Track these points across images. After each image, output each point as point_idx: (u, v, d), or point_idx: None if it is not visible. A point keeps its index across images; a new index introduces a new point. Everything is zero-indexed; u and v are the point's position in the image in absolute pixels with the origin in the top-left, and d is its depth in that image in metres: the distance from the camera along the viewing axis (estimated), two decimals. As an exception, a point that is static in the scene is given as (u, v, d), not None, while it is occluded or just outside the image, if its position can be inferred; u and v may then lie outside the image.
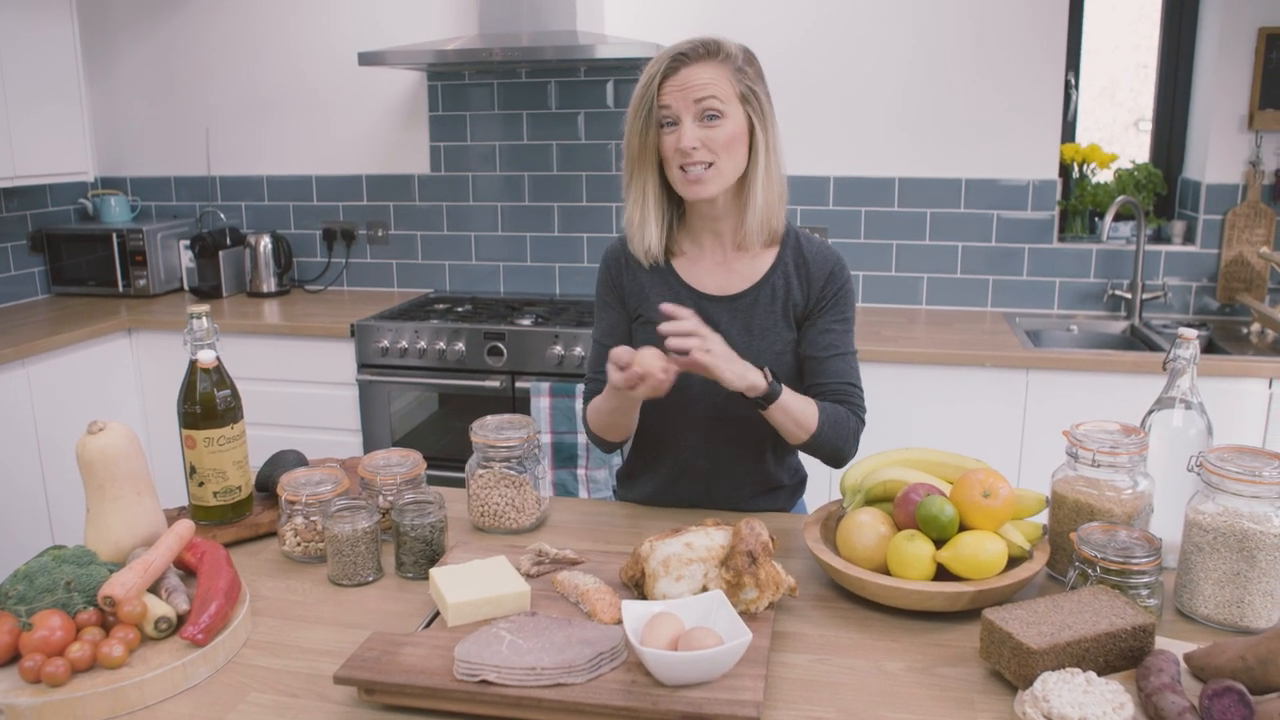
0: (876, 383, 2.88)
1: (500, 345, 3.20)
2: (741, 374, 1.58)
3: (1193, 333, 1.47)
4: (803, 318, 1.78)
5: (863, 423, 1.77)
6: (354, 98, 3.91)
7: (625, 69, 3.61)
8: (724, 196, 1.73)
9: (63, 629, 1.22)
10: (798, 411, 1.66)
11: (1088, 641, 1.15)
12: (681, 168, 1.67)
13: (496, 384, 3.20)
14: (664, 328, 1.57)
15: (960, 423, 2.93)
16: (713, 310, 1.77)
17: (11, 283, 3.86)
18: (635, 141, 1.71)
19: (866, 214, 3.54)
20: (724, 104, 1.65)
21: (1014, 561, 1.41)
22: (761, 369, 1.62)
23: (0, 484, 3.08)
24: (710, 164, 1.66)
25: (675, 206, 1.81)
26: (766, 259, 1.79)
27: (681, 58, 1.66)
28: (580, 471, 3.04)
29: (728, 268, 1.79)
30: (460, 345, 3.24)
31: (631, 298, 1.84)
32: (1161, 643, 1.21)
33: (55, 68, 3.61)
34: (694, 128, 1.65)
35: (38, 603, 1.26)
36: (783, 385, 1.64)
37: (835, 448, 1.72)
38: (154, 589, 1.36)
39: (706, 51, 1.66)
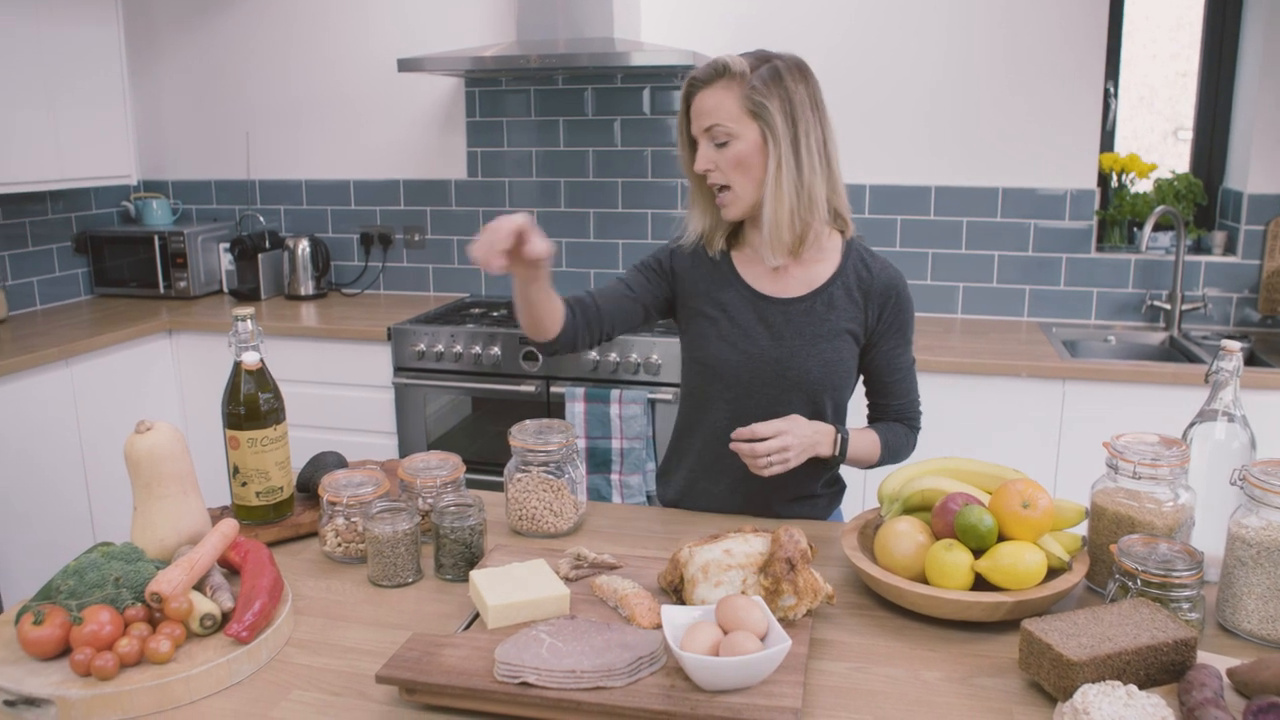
0: (911, 391, 2.89)
1: (535, 350, 3.21)
2: (812, 450, 1.71)
3: (1236, 345, 1.46)
4: (866, 339, 1.82)
5: (919, 428, 1.92)
6: (392, 103, 3.95)
7: (662, 76, 3.62)
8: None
9: (112, 624, 1.25)
10: (860, 458, 1.81)
11: (1129, 654, 1.14)
12: (711, 186, 1.75)
13: (531, 389, 3.22)
14: (737, 447, 1.66)
15: (995, 433, 2.91)
16: (769, 311, 1.80)
17: (56, 283, 3.93)
18: (682, 157, 1.82)
19: (902, 222, 3.53)
20: (730, 125, 1.68)
21: (1053, 573, 1.40)
22: (834, 433, 1.74)
23: (44, 481, 3.14)
24: (726, 186, 1.73)
25: None
26: (826, 268, 1.80)
27: (695, 82, 1.73)
28: (614, 476, 3.05)
29: (785, 272, 1.81)
30: (495, 349, 3.26)
31: (687, 287, 1.86)
32: (1203, 657, 1.20)
33: (101, 73, 3.68)
34: (706, 151, 1.72)
35: (88, 598, 1.29)
36: (848, 442, 1.76)
37: (891, 464, 1.86)
38: (199, 586, 1.38)
39: (715, 73, 1.70)
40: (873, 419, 1.91)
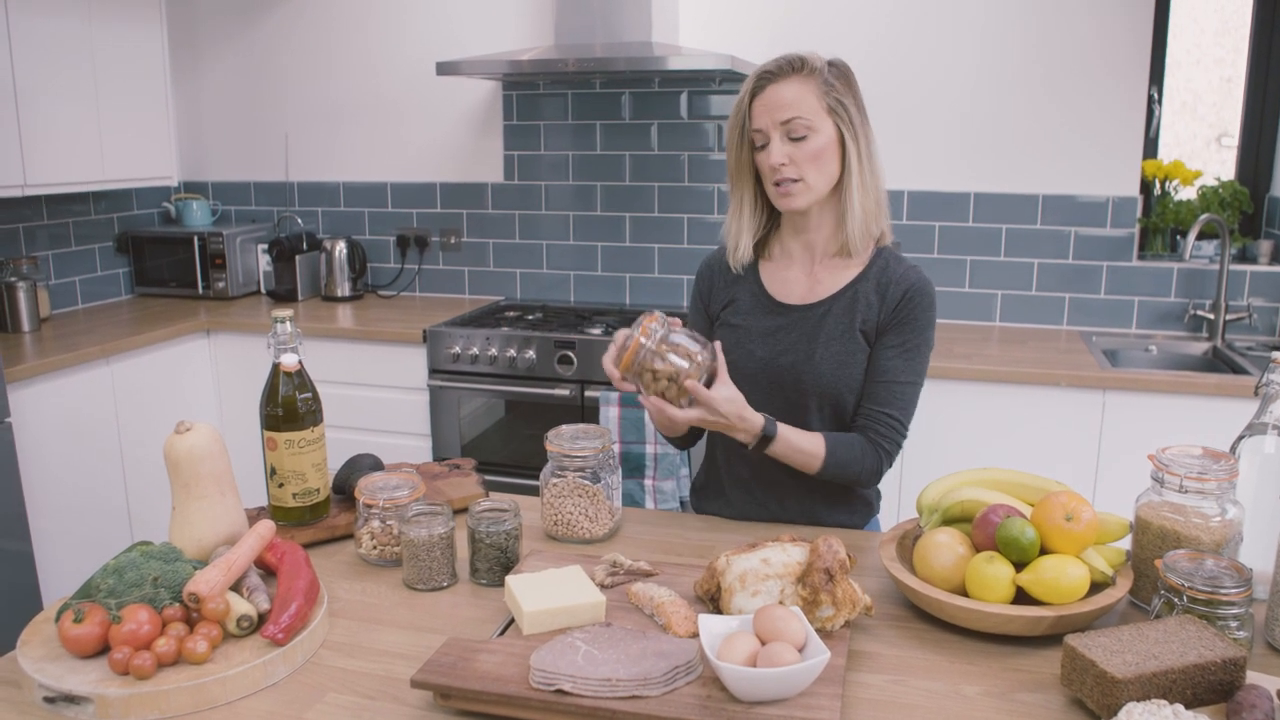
0: (947, 400, 2.85)
1: (570, 354, 3.22)
2: (728, 431, 1.66)
3: (1287, 357, 1.43)
4: (873, 335, 1.78)
5: (887, 454, 1.76)
6: (429, 106, 3.96)
7: (699, 80, 3.61)
8: (817, 208, 1.77)
9: (150, 623, 1.25)
10: (798, 459, 1.71)
11: (1175, 673, 1.12)
12: (775, 183, 1.73)
13: (566, 392, 3.22)
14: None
15: (1034, 443, 2.88)
16: (786, 318, 1.79)
17: (98, 282, 3.98)
18: (732, 158, 1.80)
19: (940, 229, 3.50)
20: (810, 119, 1.69)
21: (1096, 587, 1.38)
22: (759, 430, 1.66)
23: (84, 479, 3.17)
24: (799, 179, 1.71)
25: (771, 215, 1.86)
26: (851, 272, 1.80)
27: (768, 75, 1.72)
28: (648, 482, 3.04)
29: (813, 278, 1.81)
30: (530, 353, 3.26)
31: (716, 302, 1.89)
32: (1253, 677, 1.18)
33: (144, 75, 3.72)
34: (781, 145, 1.70)
35: (126, 597, 1.30)
36: (776, 431, 1.67)
37: (846, 482, 1.77)
38: (236, 587, 1.38)
39: (791, 68, 1.71)
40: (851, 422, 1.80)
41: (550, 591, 1.35)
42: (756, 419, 1.65)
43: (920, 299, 1.76)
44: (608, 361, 1.62)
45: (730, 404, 1.61)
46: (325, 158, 4.17)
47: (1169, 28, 3.43)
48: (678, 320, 1.63)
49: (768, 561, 1.33)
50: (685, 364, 1.58)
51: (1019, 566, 1.36)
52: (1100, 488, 2.85)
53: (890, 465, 1.78)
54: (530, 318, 3.55)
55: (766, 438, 1.67)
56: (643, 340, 1.57)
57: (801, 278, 1.82)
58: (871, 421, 1.75)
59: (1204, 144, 3.63)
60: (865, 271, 1.79)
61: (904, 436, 1.77)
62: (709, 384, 1.61)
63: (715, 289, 1.89)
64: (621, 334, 1.62)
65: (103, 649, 1.26)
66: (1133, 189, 3.33)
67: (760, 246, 1.86)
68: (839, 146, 1.72)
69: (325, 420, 1.71)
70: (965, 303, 3.53)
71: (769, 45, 3.44)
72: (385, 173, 4.09)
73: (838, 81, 1.71)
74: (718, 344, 1.65)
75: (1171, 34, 3.45)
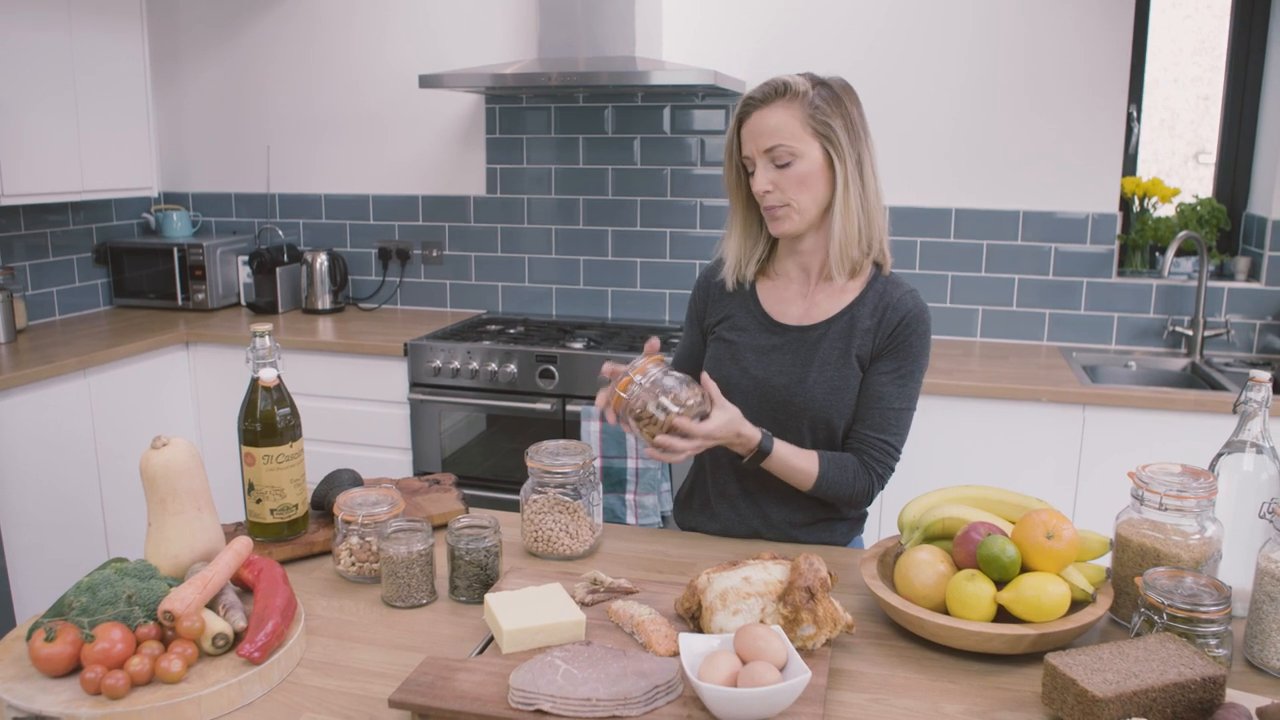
0: (928, 416, 2.86)
1: (552, 368, 3.21)
2: (724, 444, 1.68)
3: (1265, 375, 1.44)
4: (867, 361, 1.78)
5: (879, 478, 1.79)
6: (412, 119, 3.96)
7: (682, 95, 3.62)
8: (812, 232, 1.77)
9: (123, 642, 1.24)
10: (793, 475, 1.74)
11: (1155, 691, 1.12)
12: (765, 208, 1.74)
13: (547, 407, 3.21)
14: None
15: (1014, 459, 2.88)
16: (782, 339, 1.79)
17: (76, 294, 3.95)
18: (728, 179, 1.82)
19: (922, 245, 3.51)
20: (793, 145, 1.68)
21: (1076, 605, 1.38)
22: (756, 445, 1.69)
23: (59, 493, 3.14)
24: (786, 204, 1.71)
25: (770, 235, 1.85)
26: (848, 296, 1.79)
27: (752, 102, 1.72)
28: (629, 497, 3.03)
29: (810, 300, 1.81)
30: (512, 367, 3.25)
31: (711, 315, 1.89)
32: (1232, 695, 1.18)
33: (125, 85, 3.70)
34: (766, 171, 1.71)
35: (100, 615, 1.28)
36: (773, 446, 1.70)
37: (837, 501, 1.79)
38: (212, 605, 1.37)
39: (775, 93, 1.70)
40: (844, 445, 1.81)
41: (530, 609, 1.34)
42: (754, 434, 1.68)
43: (917, 325, 1.77)
44: (600, 401, 1.63)
45: (726, 427, 1.63)
46: (307, 170, 4.15)
47: (1148, 46, 3.46)
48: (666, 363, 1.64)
49: (749, 580, 1.32)
50: (676, 409, 1.58)
51: (1000, 584, 1.36)
52: (1080, 504, 2.86)
53: (882, 488, 1.80)
54: (512, 331, 3.54)
55: (763, 452, 1.69)
56: (637, 379, 1.58)
57: (798, 299, 1.82)
58: (865, 445, 1.77)
59: (1182, 161, 3.66)
60: (862, 295, 1.79)
61: (896, 461, 1.79)
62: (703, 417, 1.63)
63: (711, 303, 1.90)
64: (609, 368, 1.63)
65: (75, 668, 1.24)
66: (1112, 206, 3.35)
67: (762, 266, 1.87)
68: (828, 169, 1.71)
69: (305, 434, 1.70)
70: (946, 318, 3.54)
71: (753, 61, 3.46)
72: (367, 185, 4.08)
73: (825, 104, 1.69)
74: (704, 374, 1.68)
75: (1150, 53, 3.48)
